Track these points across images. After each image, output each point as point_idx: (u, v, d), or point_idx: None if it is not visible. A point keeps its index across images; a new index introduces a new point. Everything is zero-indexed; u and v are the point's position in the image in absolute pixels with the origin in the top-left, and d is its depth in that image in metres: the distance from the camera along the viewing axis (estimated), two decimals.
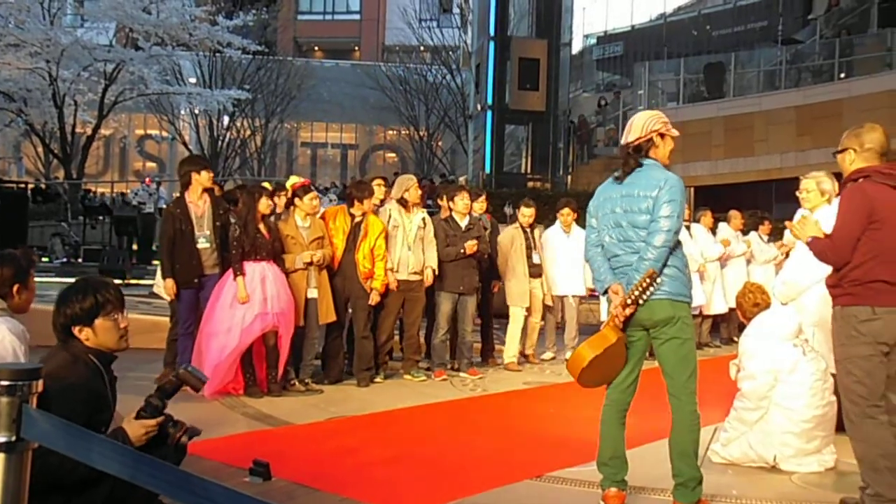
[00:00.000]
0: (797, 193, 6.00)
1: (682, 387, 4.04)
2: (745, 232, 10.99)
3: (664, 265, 3.97)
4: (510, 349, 8.73)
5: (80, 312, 3.26)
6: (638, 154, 4.10)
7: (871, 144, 4.02)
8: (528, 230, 8.91)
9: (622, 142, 4.20)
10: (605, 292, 4.11)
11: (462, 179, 22.54)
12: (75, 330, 3.26)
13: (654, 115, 4.17)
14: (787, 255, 7.71)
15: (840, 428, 4.54)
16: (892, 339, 3.89)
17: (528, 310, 8.81)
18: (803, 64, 20.19)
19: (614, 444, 4.15)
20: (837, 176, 4.63)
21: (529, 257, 8.78)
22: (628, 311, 3.94)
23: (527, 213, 8.90)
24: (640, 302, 3.93)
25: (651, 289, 3.90)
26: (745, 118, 19.31)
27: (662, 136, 4.13)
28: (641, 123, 4.12)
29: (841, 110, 17.03)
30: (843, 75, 18.81)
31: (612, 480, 4.12)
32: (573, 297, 9.35)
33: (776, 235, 10.99)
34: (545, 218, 9.48)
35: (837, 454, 4.90)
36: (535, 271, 8.84)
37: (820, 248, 4.05)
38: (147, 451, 3.07)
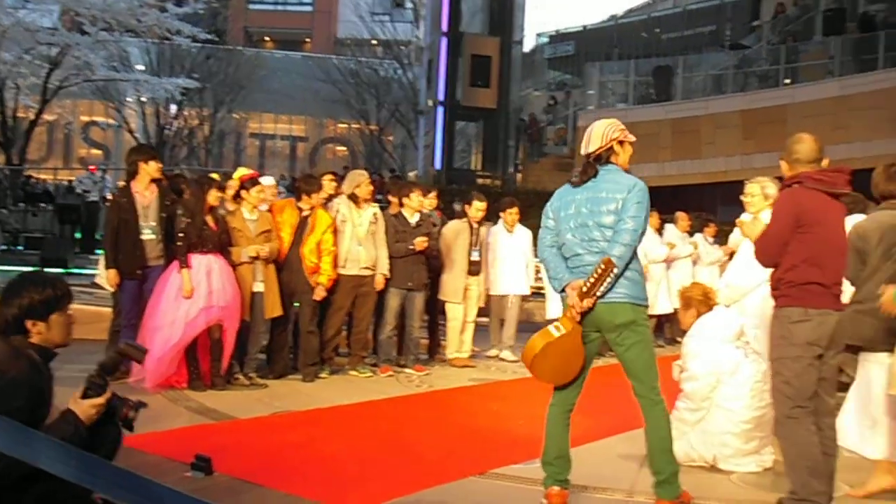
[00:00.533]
0: (742, 197, 6.11)
1: (651, 388, 4.12)
2: (691, 233, 11.16)
3: (625, 268, 4.03)
4: (453, 345, 8.73)
5: (37, 306, 3.16)
6: (598, 162, 4.17)
7: (797, 155, 4.16)
8: (475, 226, 8.87)
9: (582, 151, 4.23)
10: (562, 291, 4.14)
11: (412, 175, 22.56)
12: (28, 323, 3.16)
13: (611, 124, 4.23)
14: (731, 257, 7.87)
15: None
16: (824, 340, 3.97)
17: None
18: (749, 69, 20.56)
19: (559, 444, 4.19)
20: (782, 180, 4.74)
21: (470, 254, 8.74)
22: (586, 304, 3.97)
23: (480, 207, 8.84)
24: (598, 293, 3.96)
25: (608, 279, 3.94)
26: (692, 121, 19.61)
27: (621, 142, 4.21)
28: (601, 132, 4.18)
29: (785, 116, 17.40)
30: (787, 81, 19.20)
31: (556, 479, 4.16)
32: (515, 295, 9.36)
33: (721, 238, 11.18)
34: (494, 215, 9.46)
35: (776, 454, 5.00)
36: (474, 269, 8.80)
37: (754, 249, 4.19)
38: (94, 429, 3.06)
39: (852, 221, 4.58)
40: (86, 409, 3.11)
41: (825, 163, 4.21)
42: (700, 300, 5.30)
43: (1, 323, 3.15)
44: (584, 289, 3.94)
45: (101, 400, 3.15)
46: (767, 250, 4.12)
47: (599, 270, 3.91)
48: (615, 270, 3.96)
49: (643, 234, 4.11)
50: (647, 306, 4.20)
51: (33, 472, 2.44)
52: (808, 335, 3.95)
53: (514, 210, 9.29)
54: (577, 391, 4.23)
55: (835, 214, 4.13)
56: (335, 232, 7.54)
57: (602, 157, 4.17)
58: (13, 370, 3.03)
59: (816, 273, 3.98)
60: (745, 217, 7.00)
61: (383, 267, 7.81)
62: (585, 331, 4.09)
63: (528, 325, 9.44)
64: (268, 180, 8.40)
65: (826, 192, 4.07)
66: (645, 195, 4.09)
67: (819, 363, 4.00)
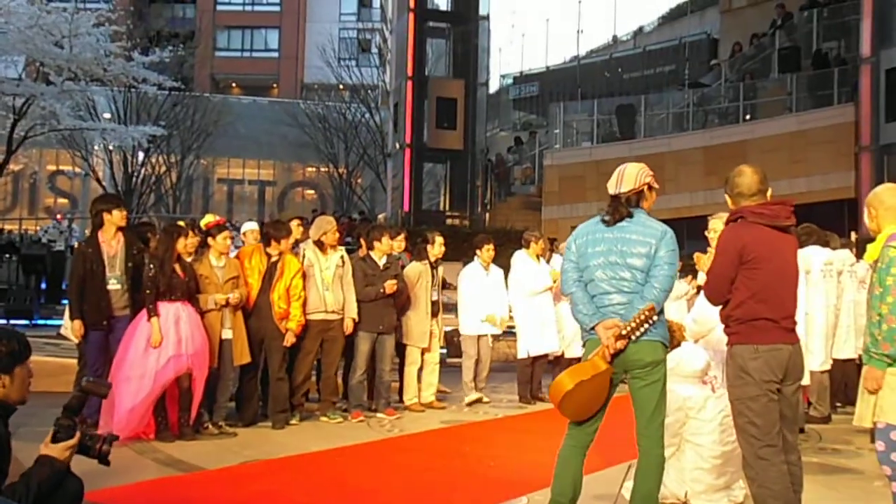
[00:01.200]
0: (706, 233, 6.19)
1: (656, 429, 4.15)
2: None
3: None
4: (411, 389, 8.57)
5: (4, 359, 3.12)
6: (628, 204, 4.23)
7: (738, 189, 4.17)
8: (435, 267, 8.80)
9: (613, 191, 4.27)
10: (591, 329, 4.15)
11: (381, 217, 22.58)
12: None
13: (643, 168, 4.32)
14: (698, 290, 7.95)
15: None
16: (777, 376, 3.95)
17: (426, 348, 8.62)
18: (710, 106, 20.97)
19: (575, 483, 4.17)
20: None
21: (431, 294, 8.63)
22: (620, 345, 4.01)
23: (440, 243, 8.78)
24: (633, 337, 4.01)
25: (646, 325, 4.00)
26: (655, 158, 19.81)
27: (650, 188, 4.29)
28: (634, 175, 4.26)
29: (745, 151, 17.72)
30: (747, 117, 19.59)
31: None
32: (490, 335, 9.29)
33: (686, 272, 11.27)
34: (464, 255, 9.43)
35: (745, 489, 5.02)
36: (434, 309, 8.70)
37: (703, 288, 4.21)
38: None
39: (807, 254, 4.60)
40: (60, 451, 3.08)
41: (769, 195, 4.17)
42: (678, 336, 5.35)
43: None
44: (625, 332, 3.99)
45: (72, 441, 3.13)
46: (714, 288, 4.13)
47: (644, 316, 3.98)
48: (649, 308, 4.02)
49: (674, 279, 4.22)
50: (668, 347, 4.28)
51: None
52: (760, 372, 3.93)
53: (491, 247, 9.07)
54: (595, 427, 4.22)
55: (783, 247, 4.10)
56: (304, 277, 7.53)
57: (632, 201, 4.24)
58: None
59: (764, 308, 3.97)
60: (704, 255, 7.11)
61: (351, 311, 7.79)
62: (615, 371, 4.11)
63: (501, 365, 9.42)
64: (250, 225, 8.44)
65: (770, 225, 4.05)
66: (675, 243, 4.20)
67: (778, 398, 3.98)
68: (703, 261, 4.45)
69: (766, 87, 20.05)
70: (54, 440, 3.11)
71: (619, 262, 4.15)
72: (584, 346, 4.32)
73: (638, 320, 3.98)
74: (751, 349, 3.95)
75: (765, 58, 20.61)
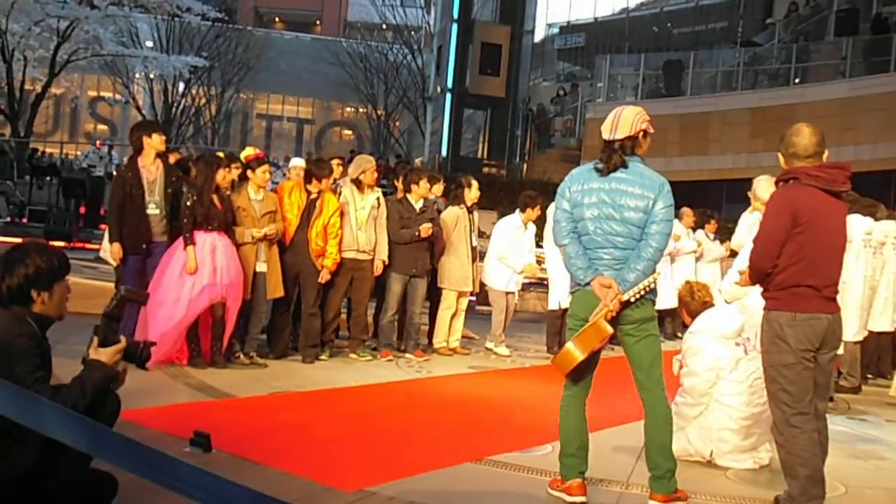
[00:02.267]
0: (749, 194, 6.10)
1: (656, 382, 4.10)
2: (695, 229, 11.16)
3: None
4: (442, 332, 8.55)
5: (44, 275, 3.15)
6: (623, 151, 4.10)
7: (793, 149, 3.98)
8: (471, 211, 8.71)
9: (608, 136, 4.12)
10: (587, 285, 4.05)
11: (418, 161, 22.54)
12: (33, 293, 3.14)
13: (639, 112, 4.17)
14: (733, 254, 7.87)
15: None
16: (814, 345, 3.86)
17: (462, 293, 8.59)
18: (760, 67, 20.50)
19: (581, 434, 4.17)
20: None
21: (470, 240, 8.58)
22: (616, 306, 3.95)
23: (476, 187, 8.67)
24: (632, 300, 3.97)
25: (646, 290, 3.98)
26: (700, 117, 19.57)
27: (646, 134, 4.16)
28: (631, 120, 4.10)
29: (794, 115, 17.31)
30: (797, 80, 19.14)
31: (578, 471, 4.14)
32: (516, 291, 9.16)
33: (723, 234, 11.18)
34: (499, 204, 9.37)
35: (772, 452, 5.01)
36: (472, 255, 8.60)
37: (752, 253, 4.05)
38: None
39: (849, 222, 4.45)
40: (110, 355, 3.14)
41: (825, 157, 4.00)
42: (687, 299, 5.32)
43: (3, 291, 3.12)
44: (631, 299, 3.95)
45: (120, 345, 3.19)
46: (764, 252, 3.92)
47: (651, 285, 3.96)
48: (653, 275, 3.98)
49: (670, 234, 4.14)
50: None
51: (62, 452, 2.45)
52: (797, 340, 3.84)
53: (538, 208, 8.82)
54: (590, 377, 4.20)
55: (834, 213, 3.95)
56: (342, 215, 7.54)
57: (627, 147, 4.10)
58: (24, 333, 3.03)
59: (808, 275, 3.84)
60: (743, 217, 6.99)
61: (382, 253, 7.80)
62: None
63: (535, 316, 9.44)
64: (298, 161, 8.46)
65: (824, 189, 3.90)
66: (671, 196, 4.08)
67: (813, 367, 3.90)
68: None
69: (820, 50, 19.57)
70: (102, 345, 3.16)
71: (615, 215, 4.02)
72: (571, 294, 4.23)
73: (644, 289, 3.95)
74: (789, 316, 3.86)
75: (821, 19, 20.07)
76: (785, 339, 3.86)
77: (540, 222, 9.05)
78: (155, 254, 6.79)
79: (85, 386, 3.02)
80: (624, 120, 4.11)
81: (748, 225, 6.86)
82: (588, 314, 4.00)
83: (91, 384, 3.04)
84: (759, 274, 3.98)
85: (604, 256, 4.05)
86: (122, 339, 3.22)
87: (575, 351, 3.96)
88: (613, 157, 4.08)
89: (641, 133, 4.13)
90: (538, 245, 9.85)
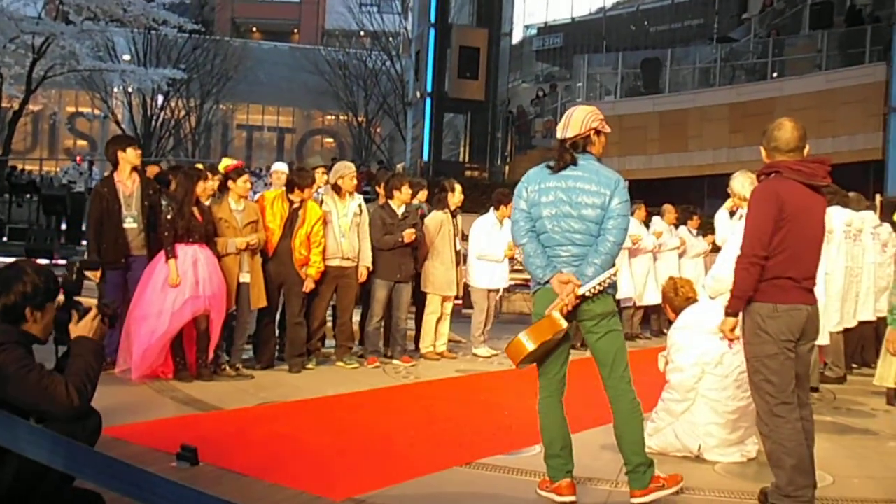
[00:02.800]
0: (728, 190, 6.13)
1: (620, 377, 4.11)
2: (677, 226, 11.20)
3: None
4: (428, 337, 8.54)
5: (40, 293, 3.14)
6: (574, 150, 4.14)
7: (775, 143, 4.02)
8: (455, 216, 8.71)
9: (559, 136, 4.19)
10: (546, 283, 4.07)
11: (399, 167, 22.51)
12: (27, 311, 3.12)
13: (591, 112, 4.21)
14: (716, 249, 7.89)
15: None
16: (795, 335, 3.91)
17: (447, 298, 8.59)
18: (737, 62, 20.60)
19: (562, 433, 4.18)
20: None
21: (455, 245, 8.58)
22: (573, 301, 3.97)
23: (459, 191, 8.67)
24: (589, 295, 3.98)
25: (605, 285, 3.99)
26: (679, 114, 19.63)
27: (598, 132, 4.19)
28: (581, 119, 4.15)
29: (773, 109, 17.43)
30: (775, 74, 19.25)
31: (564, 471, 4.15)
32: (499, 289, 9.18)
33: (705, 229, 11.23)
34: (482, 207, 9.33)
35: (759, 445, 5.03)
36: (456, 259, 8.62)
37: (744, 247, 3.97)
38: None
39: (829, 214, 4.47)
40: (88, 327, 3.21)
41: (806, 152, 4.05)
42: (671, 295, 5.34)
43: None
44: (589, 294, 3.96)
45: (93, 312, 3.25)
46: (756, 242, 3.90)
47: (610, 280, 3.99)
48: (612, 269, 4.01)
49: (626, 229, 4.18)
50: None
51: (42, 470, 2.46)
52: (778, 331, 3.89)
53: (511, 205, 8.84)
54: (562, 375, 4.21)
55: (814, 207, 4.01)
56: (324, 224, 7.52)
57: (578, 145, 4.15)
58: (12, 341, 3.02)
59: (789, 268, 3.89)
60: (720, 212, 7.00)
61: (366, 259, 7.80)
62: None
63: (521, 318, 9.44)
64: (280, 166, 8.46)
65: (805, 183, 3.95)
66: (626, 192, 4.14)
67: (795, 357, 3.95)
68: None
69: (796, 44, 19.68)
70: (65, 319, 3.22)
71: (573, 213, 4.07)
72: (533, 295, 4.25)
73: (602, 285, 3.97)
74: (770, 308, 3.91)
75: (796, 13, 20.20)
76: (766, 330, 3.91)
77: None
78: (134, 268, 6.77)
79: (90, 373, 3.09)
80: (575, 119, 4.17)
81: (725, 221, 6.90)
82: None
83: (91, 354, 3.13)
84: (753, 264, 3.90)
85: (562, 254, 4.09)
86: (92, 307, 3.29)
87: (525, 341, 3.98)
88: (565, 155, 4.14)
89: (593, 131, 4.17)
90: None
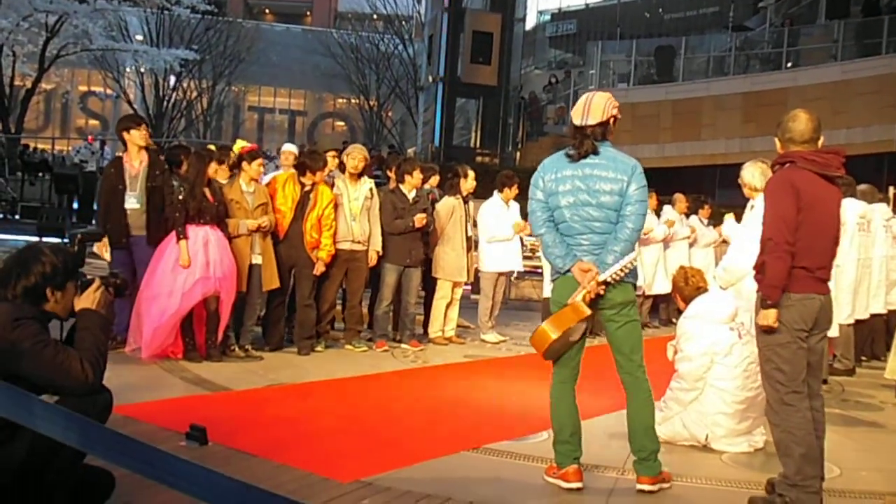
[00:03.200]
0: (739, 180, 6.10)
1: (637, 365, 4.14)
2: (688, 215, 11.16)
3: None
4: (437, 322, 8.55)
5: (60, 272, 3.15)
6: (594, 138, 4.11)
7: (790, 133, 4.01)
8: (467, 201, 8.72)
9: (579, 122, 4.13)
10: (567, 272, 4.07)
11: (410, 151, 22.50)
12: (48, 291, 3.14)
13: (609, 98, 4.19)
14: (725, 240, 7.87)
15: None
16: (808, 324, 3.90)
17: (457, 283, 8.60)
18: (752, 51, 20.48)
19: (573, 420, 4.19)
20: None
21: (466, 230, 8.58)
22: (601, 290, 3.98)
23: (472, 177, 8.66)
24: (610, 281, 3.99)
25: (626, 271, 4.00)
26: (693, 102, 19.54)
27: (615, 119, 4.18)
28: (602, 106, 4.11)
29: (786, 99, 17.35)
30: (789, 64, 19.13)
31: (572, 457, 4.15)
32: (508, 272, 9.17)
33: (717, 219, 11.19)
34: (492, 193, 9.32)
35: (767, 435, 5.03)
36: (468, 244, 8.63)
37: (771, 240, 3.91)
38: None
39: (846, 205, 4.45)
40: (91, 298, 3.21)
41: (821, 143, 4.03)
42: (681, 284, 5.33)
43: (18, 291, 3.09)
44: (610, 280, 3.97)
45: (97, 283, 3.26)
46: (781, 230, 3.83)
47: (631, 266, 3.98)
48: (632, 255, 4.01)
49: (645, 216, 4.16)
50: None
51: (56, 444, 2.48)
52: (791, 320, 3.88)
53: (515, 187, 8.85)
54: (576, 361, 4.22)
55: (828, 197, 3.99)
56: (336, 207, 7.53)
57: (598, 133, 4.12)
58: (27, 317, 3.03)
59: (803, 257, 3.86)
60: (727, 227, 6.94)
61: (377, 243, 7.80)
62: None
63: (528, 305, 9.41)
64: (290, 147, 8.46)
65: (819, 173, 3.94)
66: (644, 177, 4.11)
67: (807, 347, 3.94)
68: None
69: (812, 34, 19.56)
70: (81, 293, 3.24)
71: (591, 200, 4.04)
72: (552, 283, 4.25)
73: (623, 271, 3.97)
74: (783, 297, 3.89)
75: (812, 2, 20.07)
76: (779, 318, 3.89)
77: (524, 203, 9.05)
78: (138, 248, 6.79)
79: (100, 347, 3.11)
80: (595, 106, 4.12)
81: (734, 226, 6.88)
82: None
83: (98, 328, 3.15)
84: (786, 251, 3.83)
85: (583, 242, 4.08)
86: (96, 280, 3.30)
87: (550, 330, 3.99)
88: (585, 143, 4.09)
89: (612, 119, 4.15)
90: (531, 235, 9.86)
